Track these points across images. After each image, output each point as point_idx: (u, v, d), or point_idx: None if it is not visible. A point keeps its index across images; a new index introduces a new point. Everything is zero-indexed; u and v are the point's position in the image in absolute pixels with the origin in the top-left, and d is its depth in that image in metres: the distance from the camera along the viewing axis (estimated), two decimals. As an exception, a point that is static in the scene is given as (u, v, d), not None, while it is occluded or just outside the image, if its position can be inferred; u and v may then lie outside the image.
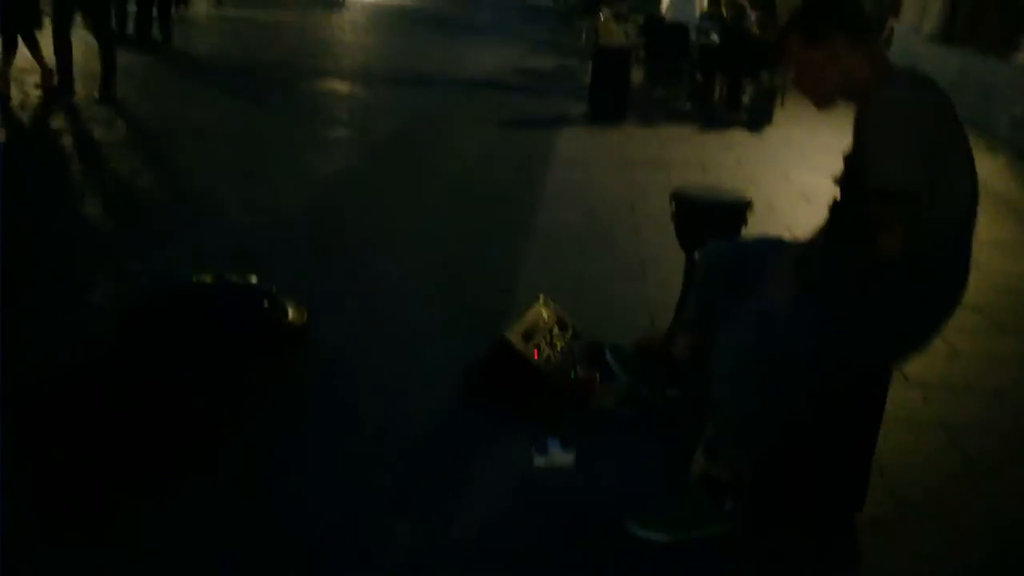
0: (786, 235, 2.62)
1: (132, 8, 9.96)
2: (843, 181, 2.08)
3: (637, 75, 10.42)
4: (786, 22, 2.11)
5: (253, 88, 8.61)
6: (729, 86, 9.09)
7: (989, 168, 6.81)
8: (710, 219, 3.07)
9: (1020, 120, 7.38)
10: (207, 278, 2.78)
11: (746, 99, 8.99)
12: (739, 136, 7.77)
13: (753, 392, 1.94)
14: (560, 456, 2.33)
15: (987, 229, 4.98)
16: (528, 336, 2.75)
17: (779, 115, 8.57)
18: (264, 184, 5.19)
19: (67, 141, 5.93)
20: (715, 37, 9.43)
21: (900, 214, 1.80)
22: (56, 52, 6.55)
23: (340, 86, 9.31)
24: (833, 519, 2.17)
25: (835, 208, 2.13)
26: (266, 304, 2.65)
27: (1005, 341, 3.39)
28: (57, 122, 6.31)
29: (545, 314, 2.93)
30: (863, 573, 2.01)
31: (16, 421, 2.22)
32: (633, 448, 2.46)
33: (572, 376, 2.78)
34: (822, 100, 2.07)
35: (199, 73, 9.13)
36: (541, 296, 3.04)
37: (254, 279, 2.85)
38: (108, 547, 1.90)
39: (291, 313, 2.73)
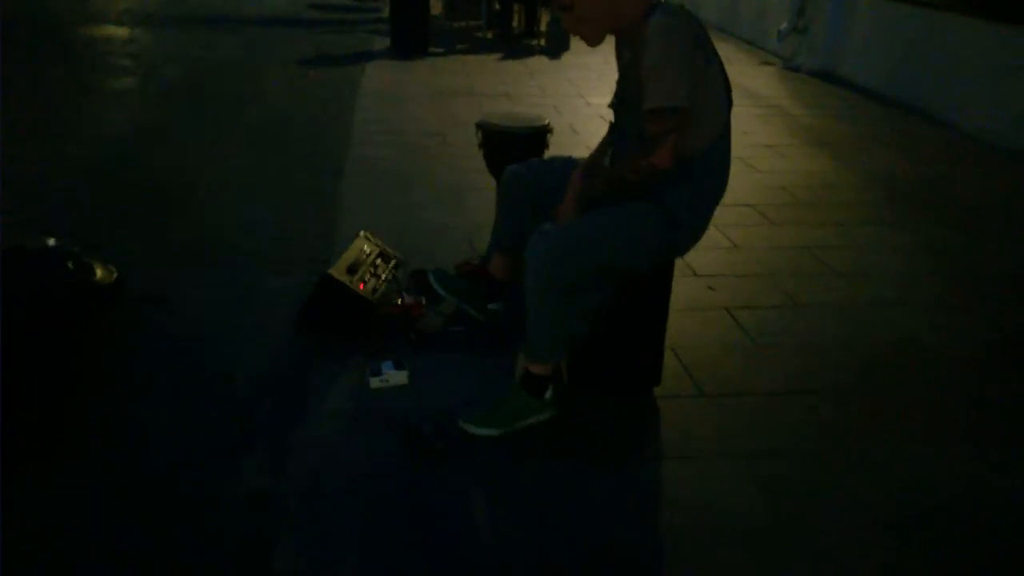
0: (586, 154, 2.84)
1: None
2: (616, 104, 2.33)
3: (436, 6, 10.39)
4: None
5: (16, 39, 7.75)
6: (526, 14, 9.30)
7: (762, 79, 7.52)
8: (513, 145, 3.25)
9: (786, 32, 8.14)
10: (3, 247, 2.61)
11: (543, 27, 9.25)
12: (540, 63, 8.02)
13: (555, 297, 2.17)
14: (394, 376, 2.46)
15: (760, 133, 5.60)
16: (352, 270, 2.82)
17: (575, 42, 8.90)
18: (48, 144, 4.79)
19: None
20: (509, -35, 9.56)
21: (672, 128, 2.06)
22: None
23: (118, 31, 8.59)
24: (637, 396, 2.48)
25: (613, 129, 2.38)
26: (70, 265, 2.54)
27: (776, 232, 3.87)
28: None
29: (367, 248, 3.01)
30: (666, 438, 2.32)
31: None
32: (462, 361, 2.64)
33: (399, 302, 2.91)
34: (596, 40, 2.24)
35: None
36: (361, 231, 3.12)
37: (52, 242, 2.71)
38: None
39: (99, 272, 2.63)
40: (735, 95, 2.25)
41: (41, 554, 1.81)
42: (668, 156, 2.08)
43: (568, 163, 2.63)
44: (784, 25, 8.15)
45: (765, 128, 5.77)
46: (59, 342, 2.43)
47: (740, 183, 4.45)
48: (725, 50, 9.11)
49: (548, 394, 2.31)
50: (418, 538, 1.89)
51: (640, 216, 2.18)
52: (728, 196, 2.40)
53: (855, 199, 4.39)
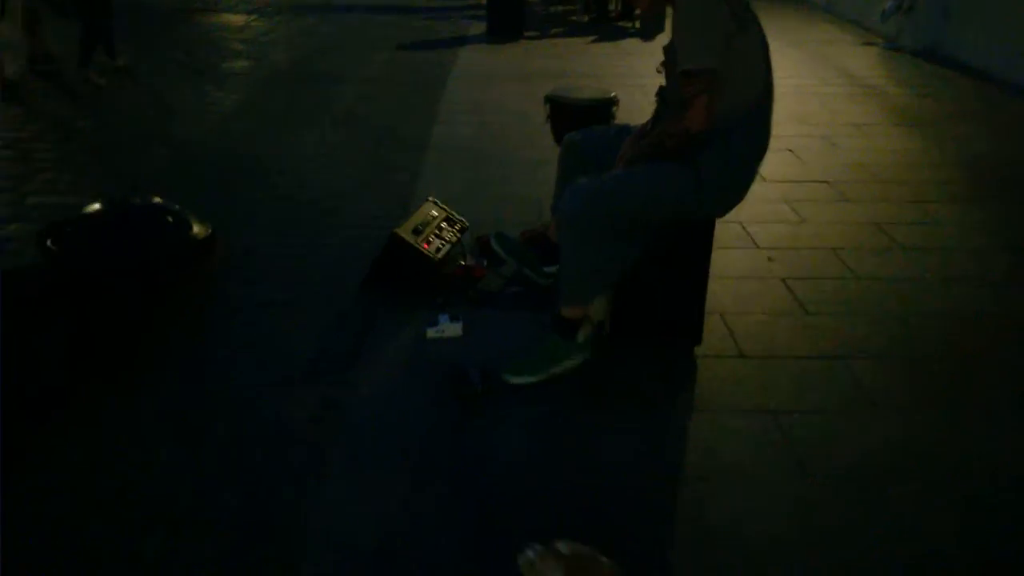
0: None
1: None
2: (664, 68, 2.43)
3: (534, -9, 10.53)
4: None
5: (142, 24, 8.42)
6: (622, -3, 9.31)
7: (861, 59, 7.29)
8: (577, 116, 3.38)
9: (890, 11, 7.84)
10: (113, 201, 2.97)
11: (639, 10, 9.23)
12: (632, 45, 8.04)
13: (586, 241, 2.29)
14: (449, 328, 2.65)
15: (849, 113, 5.49)
16: (418, 231, 3.03)
17: (670, 24, 8.84)
18: (163, 119, 5.25)
19: None
20: (606, -51, 9.58)
21: (702, 90, 2.14)
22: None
23: (234, 18, 9.17)
24: (677, 353, 2.58)
25: (660, 93, 2.48)
26: (170, 219, 2.86)
27: (848, 208, 3.83)
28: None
29: (434, 212, 3.21)
30: (699, 393, 2.40)
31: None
32: (515, 317, 2.81)
33: (462, 264, 3.09)
34: (648, 5, 2.37)
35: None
36: (430, 197, 3.32)
37: (157, 199, 3.04)
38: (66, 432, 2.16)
39: (195, 227, 2.94)
40: (831, 75, 2.35)
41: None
42: (700, 118, 2.16)
43: (624, 130, 2.75)
44: (888, 4, 7.85)
45: (856, 107, 5.63)
46: (161, 287, 2.75)
47: (819, 161, 4.40)
48: (827, 31, 8.86)
49: (580, 337, 2.44)
50: (458, 481, 2.06)
51: (669, 172, 2.29)
52: (803, 173, 2.46)
53: (936, 177, 4.27)
